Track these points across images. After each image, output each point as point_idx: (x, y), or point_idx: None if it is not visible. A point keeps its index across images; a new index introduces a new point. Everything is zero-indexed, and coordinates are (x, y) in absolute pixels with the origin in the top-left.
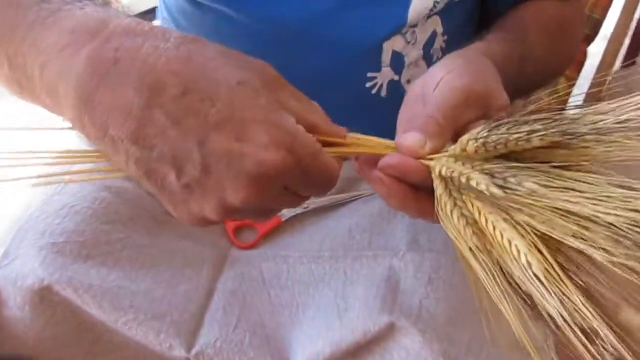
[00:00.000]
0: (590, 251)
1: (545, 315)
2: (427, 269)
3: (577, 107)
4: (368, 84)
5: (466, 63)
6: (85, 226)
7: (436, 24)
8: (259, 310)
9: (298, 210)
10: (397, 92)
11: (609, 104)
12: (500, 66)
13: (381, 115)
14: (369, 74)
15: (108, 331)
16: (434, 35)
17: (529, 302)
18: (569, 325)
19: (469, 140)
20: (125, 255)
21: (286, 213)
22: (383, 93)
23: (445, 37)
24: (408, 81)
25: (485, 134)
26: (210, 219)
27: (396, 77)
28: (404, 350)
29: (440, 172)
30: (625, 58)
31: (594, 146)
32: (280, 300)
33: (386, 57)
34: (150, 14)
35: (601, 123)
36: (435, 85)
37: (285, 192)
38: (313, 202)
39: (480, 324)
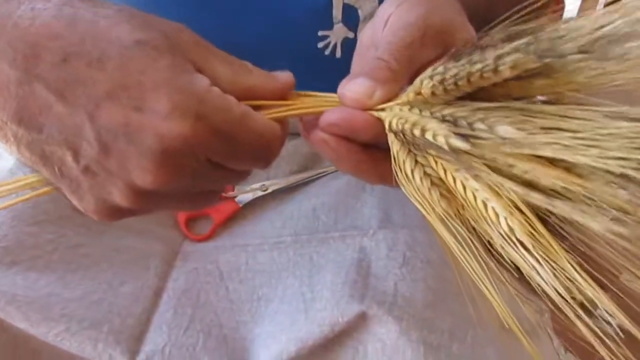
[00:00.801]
0: (584, 217)
1: (537, 288)
2: (402, 247)
3: (559, 21)
4: (320, 44)
5: None
6: (7, 229)
7: None
8: (215, 309)
9: (258, 193)
10: (352, 51)
11: (600, 11)
12: (465, 5)
13: (338, 79)
14: (321, 33)
15: (46, 345)
16: None
17: (516, 275)
18: (563, 298)
19: (424, 80)
20: (57, 258)
21: (243, 198)
22: (338, 53)
23: None
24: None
25: (441, 70)
26: (124, 207)
27: (351, 35)
28: (380, 342)
29: (390, 124)
30: None
31: (582, 71)
32: (240, 294)
33: (337, 12)
34: None
35: (590, 38)
36: (384, 23)
37: (214, 167)
38: (273, 184)
39: (464, 306)
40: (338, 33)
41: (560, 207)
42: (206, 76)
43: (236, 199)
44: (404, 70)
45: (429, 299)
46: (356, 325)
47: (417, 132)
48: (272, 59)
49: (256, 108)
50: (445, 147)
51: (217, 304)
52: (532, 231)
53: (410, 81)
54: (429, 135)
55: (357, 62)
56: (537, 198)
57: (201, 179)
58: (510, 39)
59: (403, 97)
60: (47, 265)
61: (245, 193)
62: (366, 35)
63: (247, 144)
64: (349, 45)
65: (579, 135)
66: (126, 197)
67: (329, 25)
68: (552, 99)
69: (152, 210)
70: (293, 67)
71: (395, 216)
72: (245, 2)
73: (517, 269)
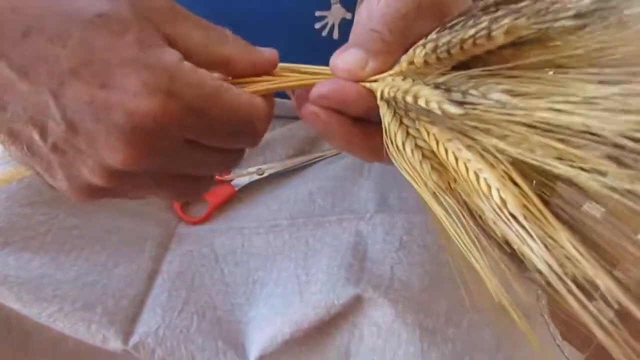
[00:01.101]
0: (582, 178)
1: (531, 268)
2: (399, 231)
3: None
4: (317, 25)
5: None
6: (1, 210)
7: None
8: (209, 291)
9: (254, 177)
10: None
11: None
12: None
13: None
14: (318, 13)
15: (40, 326)
16: None
17: (509, 252)
18: (560, 278)
19: (416, 49)
20: (50, 239)
21: (239, 182)
22: (335, 35)
23: None
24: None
25: (434, 37)
26: (99, 186)
27: (349, 15)
28: (375, 325)
29: (382, 93)
30: None
31: (579, 40)
32: (235, 277)
33: None
34: None
35: (588, 4)
36: None
37: (191, 146)
38: (269, 167)
39: (460, 290)
40: (336, 14)
41: (555, 166)
42: (178, 43)
43: (232, 183)
44: (398, 42)
45: (425, 282)
46: (352, 309)
47: (409, 99)
48: (268, 39)
49: (241, 85)
50: (439, 112)
51: (212, 286)
52: (526, 203)
53: (405, 53)
54: (421, 102)
55: (353, 37)
56: (532, 157)
57: (178, 159)
58: (505, 3)
59: (396, 68)
60: (40, 246)
61: (242, 177)
62: (363, 8)
63: (223, 119)
64: (347, 27)
65: (573, 100)
66: (98, 176)
67: (327, 6)
68: (547, 69)
69: (132, 192)
70: (290, 47)
71: (392, 200)
72: None
73: (509, 245)
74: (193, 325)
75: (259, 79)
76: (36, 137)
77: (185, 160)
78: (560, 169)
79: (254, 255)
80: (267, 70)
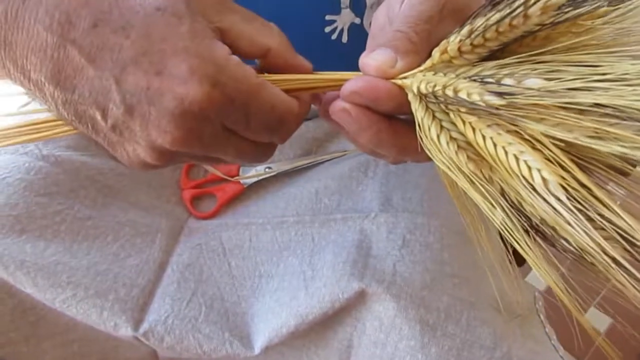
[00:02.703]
0: (622, 152)
1: (568, 247)
2: (402, 230)
3: None
4: (327, 29)
5: None
6: (19, 199)
7: None
8: (217, 283)
9: (262, 175)
10: (359, 37)
11: None
12: None
13: (343, 64)
14: (328, 17)
15: (51, 312)
16: None
17: (549, 237)
18: (606, 254)
19: (450, 36)
20: (65, 229)
21: (248, 179)
22: (344, 38)
23: None
24: (371, 24)
25: (468, 23)
26: (150, 163)
27: (357, 20)
28: (378, 319)
29: (419, 89)
30: None
31: (609, 21)
32: (242, 271)
33: None
34: None
35: None
36: (401, 0)
37: (228, 134)
38: (278, 166)
39: (459, 287)
40: (345, 18)
41: (595, 143)
42: (226, 33)
43: (241, 180)
44: (423, 43)
45: (426, 280)
46: (355, 303)
47: (449, 92)
48: None
49: (276, 82)
50: (482, 103)
51: (220, 279)
52: (570, 181)
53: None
54: (463, 94)
55: (372, 41)
56: (572, 136)
57: (217, 145)
58: None
59: (427, 63)
60: (56, 234)
61: (250, 177)
62: (381, 14)
63: (260, 114)
64: (356, 31)
65: (609, 77)
66: (149, 155)
67: (337, 10)
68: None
69: (175, 164)
70: (299, 50)
71: (395, 200)
72: None
73: (552, 229)
74: (201, 316)
75: (293, 77)
76: (98, 117)
77: (222, 147)
78: (600, 145)
79: (260, 250)
80: (301, 68)
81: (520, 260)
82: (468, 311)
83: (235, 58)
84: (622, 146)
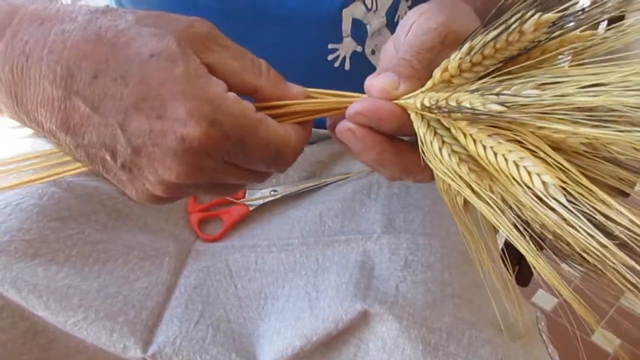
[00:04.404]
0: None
1: (569, 251)
2: (404, 251)
3: None
4: (330, 57)
5: (440, 5)
6: (32, 224)
7: None
8: (224, 305)
9: (267, 198)
10: (361, 64)
11: None
12: (479, 15)
13: (347, 90)
14: (330, 46)
15: (62, 334)
16: (397, 1)
17: (551, 243)
18: (608, 259)
19: (450, 55)
20: (76, 252)
21: (254, 202)
22: (346, 66)
23: (409, 3)
24: (372, 52)
25: (468, 40)
26: (160, 196)
27: (359, 48)
28: (381, 340)
29: (422, 103)
30: None
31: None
32: (248, 292)
33: (346, 26)
34: None
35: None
36: (407, 30)
37: (228, 165)
38: (283, 189)
39: (460, 307)
40: (347, 46)
41: (606, 133)
42: (217, 70)
43: (247, 203)
44: (425, 70)
45: (428, 300)
46: (358, 323)
47: (452, 102)
48: (283, 70)
49: (278, 107)
50: (484, 109)
51: (226, 300)
52: (570, 182)
53: None
54: (465, 104)
55: (383, 65)
56: (585, 129)
57: (219, 175)
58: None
59: (428, 84)
60: (68, 258)
61: (256, 200)
62: (389, 45)
63: (256, 149)
64: (357, 58)
65: (601, 81)
66: (158, 189)
67: (338, 39)
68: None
69: (184, 197)
70: (304, 78)
71: (398, 222)
72: (259, 14)
73: (554, 234)
74: (208, 337)
75: (297, 102)
76: (108, 158)
77: (224, 176)
78: (607, 134)
79: (266, 272)
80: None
81: (524, 281)
82: (470, 331)
83: (231, 95)
84: (615, 151)
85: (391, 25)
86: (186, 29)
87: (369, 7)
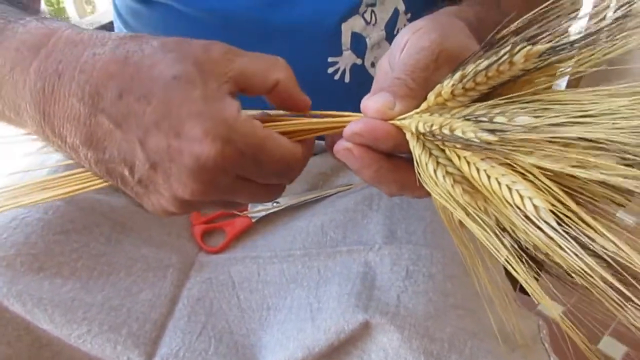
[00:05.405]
0: (611, 181)
1: (560, 272)
2: (405, 262)
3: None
4: (330, 70)
5: (433, 22)
6: (37, 237)
7: (397, 2)
8: (227, 316)
9: (270, 209)
10: (361, 76)
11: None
12: (474, 31)
13: (346, 102)
14: (330, 59)
15: (67, 347)
16: (396, 14)
17: (544, 264)
18: (598, 276)
19: (444, 81)
20: (81, 265)
21: (256, 214)
22: (346, 78)
23: (409, 16)
24: (372, 64)
25: (460, 69)
26: (173, 212)
27: (359, 61)
28: (382, 350)
29: (417, 128)
30: None
31: (584, 59)
32: (250, 303)
33: (346, 39)
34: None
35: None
36: (401, 48)
37: (242, 181)
38: (285, 201)
39: (462, 317)
40: (347, 60)
41: (590, 173)
42: (241, 77)
43: (249, 215)
44: (420, 89)
45: (430, 310)
46: (360, 334)
47: (446, 131)
48: None
49: (284, 124)
50: (476, 140)
51: (229, 312)
52: (560, 207)
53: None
54: (458, 132)
55: (376, 86)
56: (557, 166)
57: (232, 191)
58: (518, 34)
59: (422, 106)
60: (72, 272)
61: (258, 212)
62: (384, 61)
63: (269, 163)
64: (357, 71)
65: (591, 112)
66: (172, 205)
67: (338, 52)
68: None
69: (196, 211)
70: (305, 90)
71: (399, 233)
72: (261, 29)
73: (546, 255)
74: (211, 348)
75: (299, 120)
76: (127, 173)
77: (238, 192)
78: (584, 174)
79: (268, 283)
80: (302, 105)
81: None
82: (472, 341)
83: (243, 115)
84: (602, 173)
85: (390, 38)
86: (205, 53)
87: (368, 20)
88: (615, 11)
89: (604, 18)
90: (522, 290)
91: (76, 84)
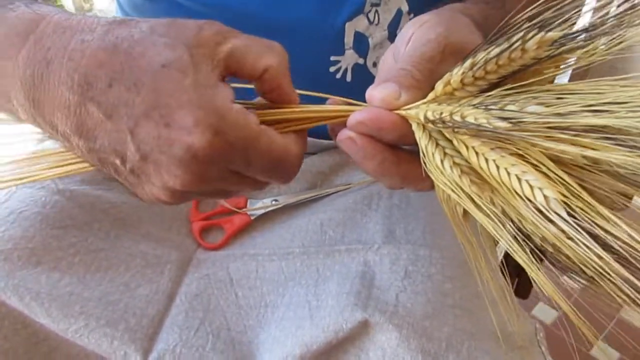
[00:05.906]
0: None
1: (568, 263)
2: (404, 262)
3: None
4: (332, 69)
5: (439, 17)
6: (35, 232)
7: (400, 2)
8: (224, 313)
9: (269, 207)
10: (363, 76)
11: None
12: (479, 28)
13: None
14: (332, 58)
15: (64, 342)
16: (399, 14)
17: (552, 256)
18: (605, 272)
19: (453, 69)
20: (79, 260)
21: (255, 211)
22: (348, 78)
23: (412, 16)
24: (374, 64)
25: (470, 57)
26: (166, 201)
27: (361, 61)
28: (381, 349)
29: (426, 116)
30: None
31: (594, 51)
32: (248, 300)
33: (349, 39)
34: None
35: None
36: (406, 42)
37: (232, 174)
38: (284, 199)
39: (460, 318)
40: (349, 59)
41: (607, 154)
42: (232, 58)
43: (248, 212)
44: (426, 80)
45: (428, 310)
46: (359, 333)
47: (457, 117)
48: None
49: (280, 114)
50: (489, 126)
51: (227, 308)
52: (572, 198)
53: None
54: (470, 119)
55: (379, 78)
56: (590, 151)
57: (222, 183)
58: (532, 20)
59: (429, 96)
60: (70, 266)
61: (257, 209)
62: (388, 56)
63: (259, 158)
64: (359, 70)
65: (604, 100)
66: (164, 194)
67: (341, 51)
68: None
69: (188, 201)
70: (306, 89)
71: (398, 233)
72: (263, 27)
73: (554, 247)
74: (208, 345)
75: (301, 107)
76: (118, 163)
77: (228, 184)
78: (599, 155)
79: (266, 281)
80: (287, 102)
81: (524, 293)
82: (469, 342)
83: (236, 106)
84: (615, 160)
85: (393, 38)
86: (196, 35)
87: (372, 20)
88: (622, 3)
89: (609, 12)
90: (517, 293)
91: (65, 72)
